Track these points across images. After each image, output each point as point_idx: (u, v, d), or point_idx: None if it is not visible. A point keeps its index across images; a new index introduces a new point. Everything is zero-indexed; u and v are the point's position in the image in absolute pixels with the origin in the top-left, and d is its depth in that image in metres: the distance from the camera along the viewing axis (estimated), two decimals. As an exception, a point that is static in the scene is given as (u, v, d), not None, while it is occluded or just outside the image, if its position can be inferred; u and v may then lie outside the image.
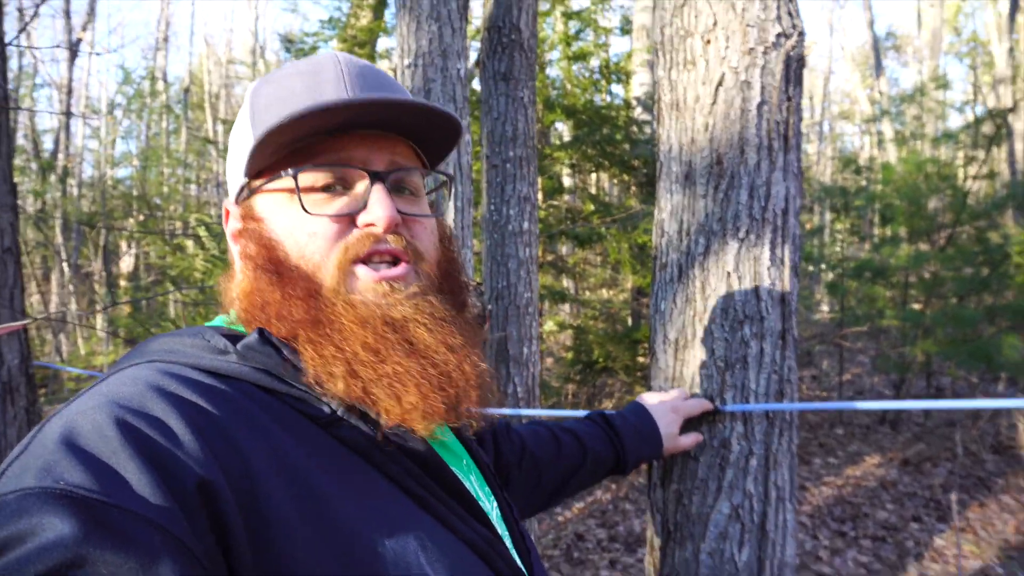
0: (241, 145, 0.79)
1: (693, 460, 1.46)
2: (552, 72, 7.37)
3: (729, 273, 1.40)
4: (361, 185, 0.74)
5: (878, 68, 18.80)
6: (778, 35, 1.34)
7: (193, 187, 17.72)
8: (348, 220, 0.73)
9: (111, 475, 0.51)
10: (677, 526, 1.50)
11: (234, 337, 0.70)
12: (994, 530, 4.71)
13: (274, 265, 0.72)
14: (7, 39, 2.79)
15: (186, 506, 0.52)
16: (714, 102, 1.38)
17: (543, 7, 7.03)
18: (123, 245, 14.40)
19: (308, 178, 0.73)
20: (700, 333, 1.45)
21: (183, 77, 21.79)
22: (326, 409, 0.68)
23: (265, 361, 0.68)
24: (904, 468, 5.91)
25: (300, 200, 0.72)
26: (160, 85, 19.34)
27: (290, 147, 0.73)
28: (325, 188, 0.73)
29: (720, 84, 1.37)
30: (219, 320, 0.80)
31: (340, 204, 0.73)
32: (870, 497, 5.47)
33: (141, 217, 12.33)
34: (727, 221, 1.39)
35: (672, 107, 1.47)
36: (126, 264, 14.33)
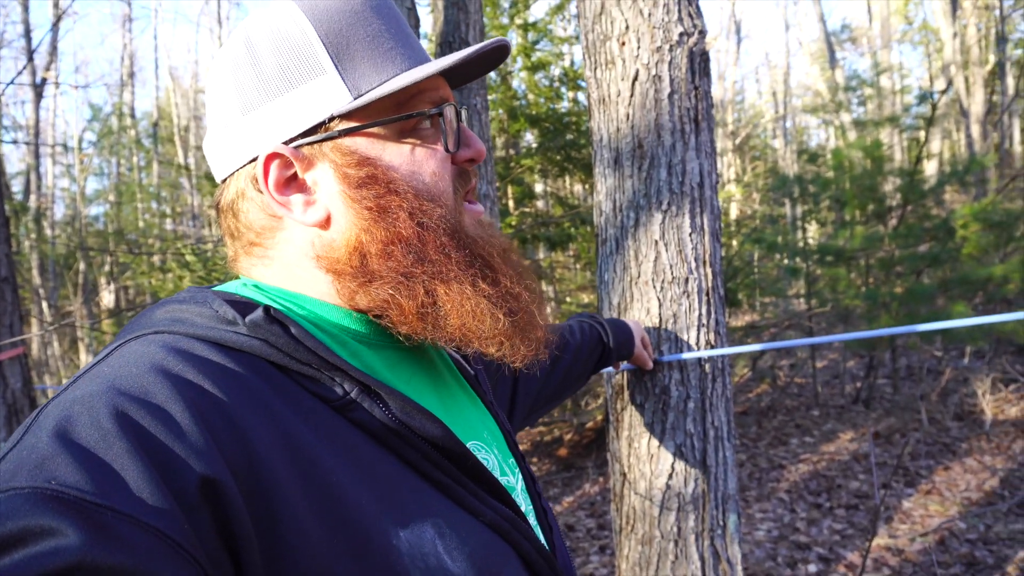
0: (307, 79, 0.70)
1: (639, 408, 1.67)
2: (515, 83, 7.63)
3: (657, 241, 1.62)
4: (449, 121, 0.75)
5: (832, 60, 19.39)
6: (680, 34, 1.57)
7: (168, 221, 17.77)
8: (451, 157, 0.76)
9: (107, 474, 0.48)
10: (630, 468, 1.70)
11: (241, 306, 0.67)
12: (958, 489, 4.97)
13: (417, 209, 0.71)
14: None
15: (187, 506, 0.49)
16: (632, 95, 1.60)
17: (502, 21, 7.30)
18: (102, 281, 14.44)
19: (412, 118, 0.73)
20: (637, 295, 1.66)
21: (151, 112, 21.87)
22: (339, 391, 0.65)
23: (274, 339, 0.64)
24: (875, 441, 6.17)
25: (444, 140, 0.73)
26: (128, 121, 19.42)
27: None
28: (426, 128, 0.74)
29: (636, 79, 1.59)
30: (236, 284, 0.76)
31: (446, 142, 0.75)
32: (843, 470, 5.71)
33: (119, 253, 12.41)
34: (651, 196, 1.61)
35: (599, 102, 1.70)
36: (107, 300, 14.36)
